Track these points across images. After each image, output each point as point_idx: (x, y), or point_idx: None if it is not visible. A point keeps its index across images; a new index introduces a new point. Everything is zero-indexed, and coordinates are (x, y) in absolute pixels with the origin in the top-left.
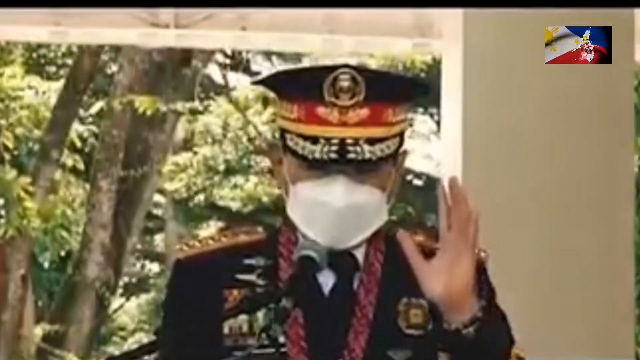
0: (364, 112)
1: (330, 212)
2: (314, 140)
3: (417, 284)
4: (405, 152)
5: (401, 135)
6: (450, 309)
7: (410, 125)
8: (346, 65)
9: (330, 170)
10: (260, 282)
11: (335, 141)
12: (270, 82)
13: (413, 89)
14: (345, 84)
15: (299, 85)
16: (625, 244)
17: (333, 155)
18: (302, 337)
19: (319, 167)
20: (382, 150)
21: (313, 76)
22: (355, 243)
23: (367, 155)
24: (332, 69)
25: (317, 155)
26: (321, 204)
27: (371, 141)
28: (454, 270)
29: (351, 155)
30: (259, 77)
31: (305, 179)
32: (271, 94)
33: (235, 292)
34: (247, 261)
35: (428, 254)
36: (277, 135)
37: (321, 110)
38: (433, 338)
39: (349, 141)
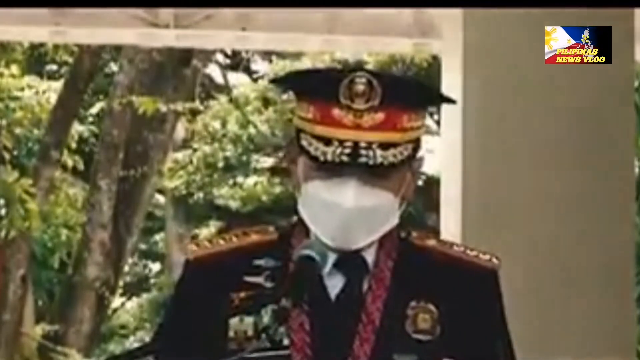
0: (378, 116)
1: (339, 213)
2: (327, 141)
3: (427, 288)
4: (421, 159)
5: (417, 141)
6: None
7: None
8: (363, 69)
9: (342, 172)
10: (268, 284)
11: (348, 144)
12: (288, 81)
13: (431, 96)
14: (361, 87)
15: (315, 85)
16: (625, 244)
17: (345, 158)
18: (307, 343)
19: (330, 169)
20: (394, 155)
21: (330, 78)
22: (363, 245)
23: (379, 160)
24: (349, 71)
25: (329, 157)
26: (330, 204)
27: (384, 146)
28: None
29: (363, 159)
30: (277, 76)
31: (317, 179)
32: (270, 94)
33: (242, 295)
34: (256, 262)
35: (441, 259)
36: (292, 134)
37: (336, 112)
38: (440, 343)
39: (362, 144)
